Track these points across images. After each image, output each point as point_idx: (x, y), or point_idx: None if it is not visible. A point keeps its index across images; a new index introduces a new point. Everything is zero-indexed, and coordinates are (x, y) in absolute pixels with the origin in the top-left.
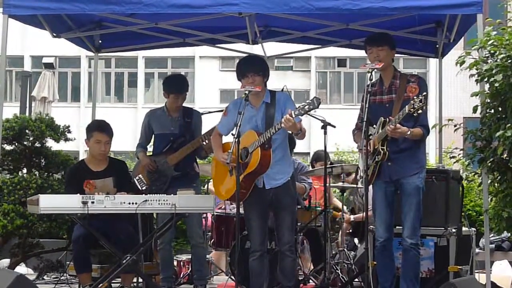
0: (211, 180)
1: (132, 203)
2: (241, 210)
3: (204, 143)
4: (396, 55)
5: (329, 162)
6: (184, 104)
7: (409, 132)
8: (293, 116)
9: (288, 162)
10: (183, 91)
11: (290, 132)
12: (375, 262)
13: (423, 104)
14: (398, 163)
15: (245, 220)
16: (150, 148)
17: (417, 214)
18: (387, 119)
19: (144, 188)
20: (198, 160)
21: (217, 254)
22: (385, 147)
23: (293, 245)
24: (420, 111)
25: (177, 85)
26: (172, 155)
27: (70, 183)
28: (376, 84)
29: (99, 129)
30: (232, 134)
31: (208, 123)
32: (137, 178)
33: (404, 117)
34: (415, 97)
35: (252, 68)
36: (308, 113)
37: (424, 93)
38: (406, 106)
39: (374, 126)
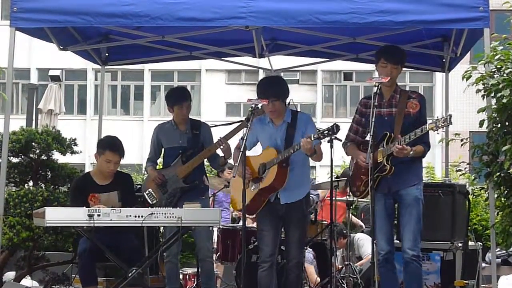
0: None
1: (138, 216)
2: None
3: (222, 146)
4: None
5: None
6: (192, 117)
7: (412, 152)
8: (312, 139)
9: (306, 182)
10: (185, 100)
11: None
12: None
13: (448, 123)
14: (397, 175)
15: (257, 231)
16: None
17: (417, 225)
18: (391, 134)
19: (154, 202)
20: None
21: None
22: (389, 162)
23: (300, 260)
24: (440, 128)
25: (177, 96)
26: (181, 168)
27: (74, 195)
28: (375, 97)
29: (112, 149)
30: (238, 148)
31: (214, 136)
32: (147, 192)
33: (406, 131)
34: (438, 116)
35: (273, 93)
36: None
37: (450, 114)
38: (427, 125)
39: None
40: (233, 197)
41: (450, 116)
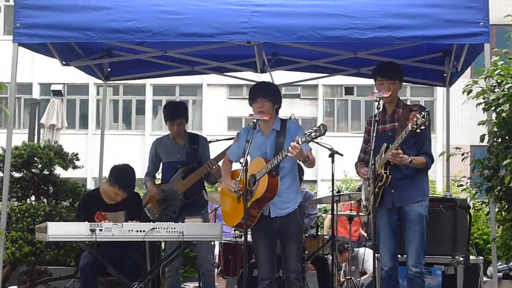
0: None
1: (140, 231)
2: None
3: (212, 168)
4: (403, 83)
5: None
6: (191, 131)
7: (410, 160)
8: (300, 143)
9: (295, 192)
10: (176, 118)
11: (298, 160)
12: None
13: (426, 119)
14: (402, 190)
15: (253, 249)
16: (158, 175)
17: (421, 242)
18: (389, 145)
19: (154, 217)
20: (206, 187)
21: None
22: (387, 171)
23: (300, 273)
24: (423, 127)
25: (169, 113)
26: (181, 183)
27: (81, 210)
28: (379, 114)
29: (121, 187)
30: (240, 163)
31: (215, 150)
32: (147, 207)
33: (407, 143)
34: (417, 114)
35: (262, 93)
36: (315, 140)
37: (427, 109)
38: (409, 124)
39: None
40: (223, 213)
41: (427, 112)
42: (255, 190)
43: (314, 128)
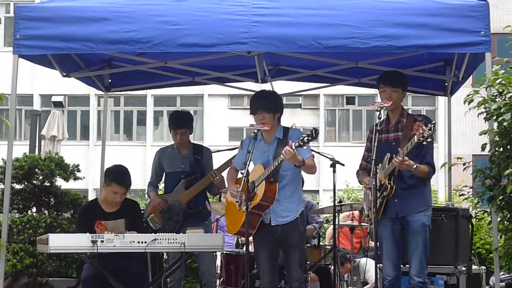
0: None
1: (142, 242)
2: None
3: (215, 179)
4: None
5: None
6: (195, 142)
7: (415, 166)
8: (293, 147)
9: (297, 201)
10: (178, 128)
11: (293, 165)
12: None
13: (433, 132)
14: (405, 200)
15: (254, 257)
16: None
17: (424, 252)
18: (393, 155)
19: (157, 227)
20: (208, 197)
21: None
22: (391, 182)
23: (303, 282)
24: (429, 140)
25: (173, 121)
26: (184, 194)
27: (81, 221)
28: (383, 123)
29: (118, 182)
30: (242, 173)
31: (217, 161)
32: (150, 217)
33: (411, 153)
34: (423, 126)
35: (262, 106)
36: (308, 144)
37: (434, 121)
38: (415, 136)
39: (380, 164)
40: (227, 221)
41: (434, 124)
42: (253, 196)
43: (306, 133)
